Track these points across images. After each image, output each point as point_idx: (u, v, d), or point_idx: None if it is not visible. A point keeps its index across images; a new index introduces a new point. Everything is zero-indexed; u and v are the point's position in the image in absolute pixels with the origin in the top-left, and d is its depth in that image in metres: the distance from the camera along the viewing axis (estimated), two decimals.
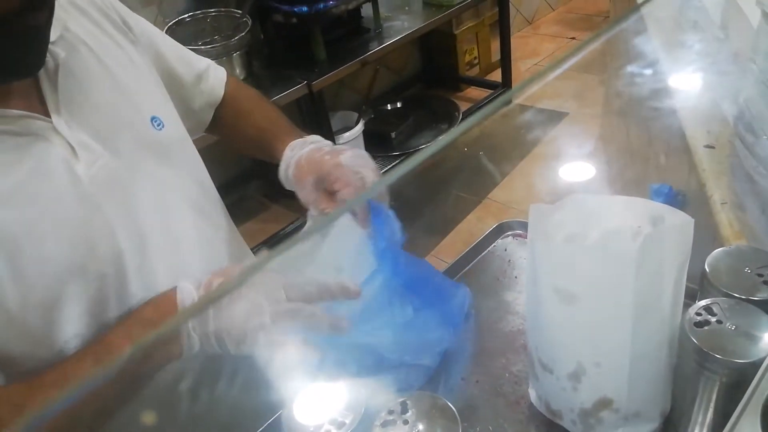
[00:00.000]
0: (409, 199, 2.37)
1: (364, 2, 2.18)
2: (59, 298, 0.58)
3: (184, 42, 0.89)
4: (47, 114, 0.59)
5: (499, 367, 0.72)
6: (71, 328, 0.60)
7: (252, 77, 2.07)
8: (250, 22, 1.95)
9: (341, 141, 2.23)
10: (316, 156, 0.74)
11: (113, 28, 0.71)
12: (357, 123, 2.33)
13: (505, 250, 0.92)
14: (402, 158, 2.50)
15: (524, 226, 0.92)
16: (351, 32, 2.29)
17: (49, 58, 0.60)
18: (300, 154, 0.76)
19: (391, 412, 0.51)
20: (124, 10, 0.74)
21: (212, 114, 0.87)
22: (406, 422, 0.50)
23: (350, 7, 2.12)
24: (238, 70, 1.99)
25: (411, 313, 0.68)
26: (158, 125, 0.71)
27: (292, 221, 2.22)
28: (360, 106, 2.42)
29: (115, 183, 0.63)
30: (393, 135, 2.59)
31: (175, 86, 0.80)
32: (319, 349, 0.57)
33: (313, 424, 0.55)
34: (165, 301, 0.61)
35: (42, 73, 0.60)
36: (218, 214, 0.81)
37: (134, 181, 0.66)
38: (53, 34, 0.60)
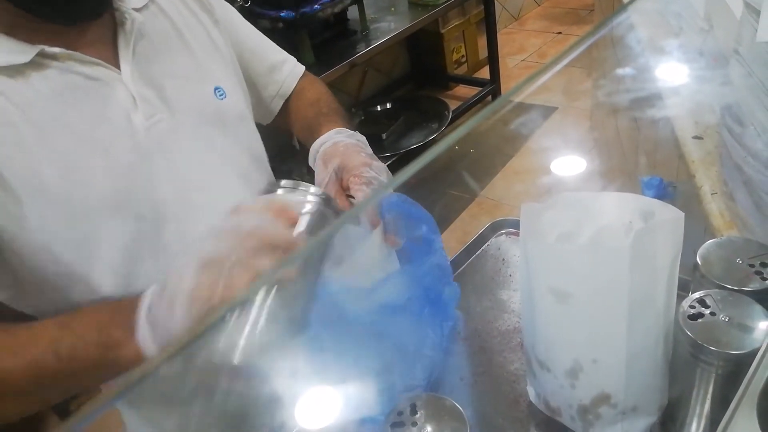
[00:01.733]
0: None
1: (350, 5, 2.18)
2: (96, 233, 0.61)
3: None
4: (117, 66, 0.64)
5: (496, 366, 0.73)
6: (104, 268, 0.62)
7: None
8: None
9: None
10: (354, 149, 0.75)
11: (197, 5, 0.76)
12: None
13: (499, 248, 0.92)
14: (393, 159, 2.50)
15: (517, 224, 0.93)
16: (338, 35, 2.29)
17: (128, 19, 0.65)
18: (342, 140, 0.77)
19: (400, 414, 0.51)
20: None
21: (281, 105, 0.90)
22: (414, 424, 0.50)
23: (336, 10, 2.12)
24: None
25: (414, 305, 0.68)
26: (221, 95, 0.74)
27: None
28: (349, 108, 2.43)
29: (167, 138, 0.66)
30: (384, 136, 2.59)
31: (248, 71, 0.84)
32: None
33: (321, 427, 0.55)
34: (126, 307, 0.55)
35: (120, 30, 0.65)
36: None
37: (187, 140, 0.68)
38: (139, 2, 0.68)
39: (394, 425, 0.50)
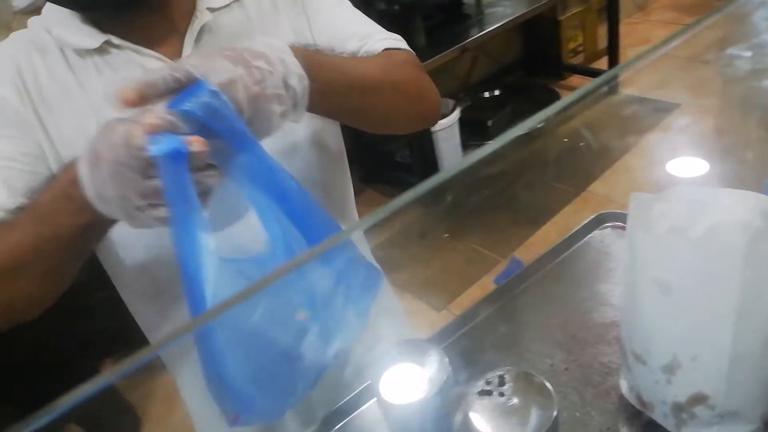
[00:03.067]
0: (501, 189, 2.35)
1: None
2: None
3: None
4: (177, 59, 0.64)
5: (589, 357, 0.72)
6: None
7: None
8: None
9: (436, 128, 2.25)
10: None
11: (288, 4, 0.74)
12: (453, 110, 2.33)
13: (602, 241, 0.90)
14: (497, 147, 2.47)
15: (624, 218, 0.90)
16: (452, 18, 2.29)
17: (198, 18, 0.68)
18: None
19: (488, 383, 0.53)
20: None
21: None
22: (501, 394, 0.52)
23: None
24: None
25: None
26: None
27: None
28: (457, 93, 2.42)
29: None
30: (489, 123, 2.56)
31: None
32: None
33: (401, 392, 0.58)
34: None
35: (189, 28, 0.68)
36: (337, 185, 0.82)
37: None
38: (221, 1, 0.69)
39: (481, 392, 0.52)
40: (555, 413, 0.50)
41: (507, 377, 0.53)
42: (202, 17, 0.68)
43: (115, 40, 0.65)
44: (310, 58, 0.57)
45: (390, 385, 0.58)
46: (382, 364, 0.60)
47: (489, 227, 2.26)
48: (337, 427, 0.71)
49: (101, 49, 0.65)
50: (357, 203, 0.88)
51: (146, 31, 0.67)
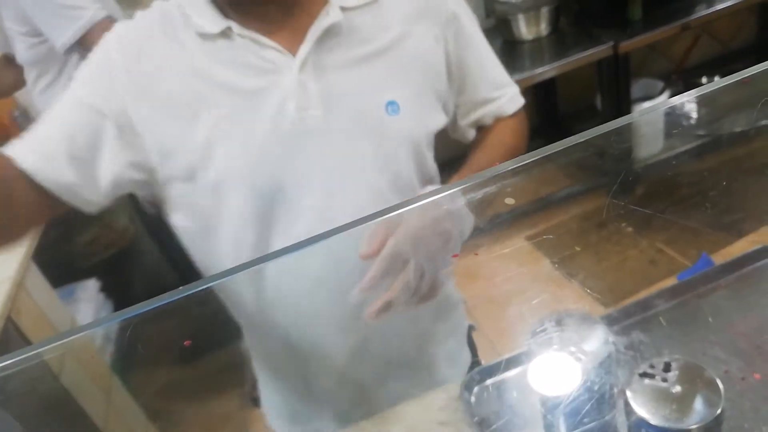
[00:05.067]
0: (705, 188, 2.12)
1: None
2: (220, 197, 0.69)
3: None
4: (294, 52, 0.67)
5: None
6: (226, 221, 0.71)
7: (556, 33, 2.06)
8: None
9: (639, 110, 2.10)
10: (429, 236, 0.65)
11: (428, 13, 0.74)
12: (660, 93, 2.15)
13: None
14: (703, 139, 2.23)
15: None
16: None
17: (326, 13, 0.68)
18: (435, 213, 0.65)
19: (652, 366, 0.52)
20: (461, 9, 0.77)
21: (473, 134, 0.86)
22: (664, 380, 0.51)
23: None
24: (543, 26, 2.00)
25: None
26: (393, 110, 0.71)
27: None
28: (668, 76, 2.22)
29: (310, 135, 0.68)
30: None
31: (464, 87, 0.81)
32: None
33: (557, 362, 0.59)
34: None
35: (316, 21, 0.68)
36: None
37: (329, 144, 0.69)
38: (356, 1, 0.69)
39: (643, 374, 0.51)
40: (719, 411, 0.48)
41: (674, 365, 0.52)
42: (332, 15, 0.68)
43: (236, 27, 0.67)
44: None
45: (546, 352, 0.59)
46: (540, 330, 0.62)
47: (681, 228, 2.06)
48: (490, 380, 0.75)
49: (223, 34, 0.67)
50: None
51: (268, 19, 0.68)
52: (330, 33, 0.69)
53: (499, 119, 0.84)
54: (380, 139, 0.71)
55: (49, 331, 1.47)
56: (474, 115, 0.83)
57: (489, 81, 0.82)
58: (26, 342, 1.33)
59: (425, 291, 0.63)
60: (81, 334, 0.56)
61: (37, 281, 1.54)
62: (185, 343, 0.60)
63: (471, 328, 0.92)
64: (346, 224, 0.55)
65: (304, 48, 0.68)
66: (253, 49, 0.67)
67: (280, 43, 0.68)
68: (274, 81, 0.67)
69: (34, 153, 0.65)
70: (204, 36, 0.68)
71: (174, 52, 0.68)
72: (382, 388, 0.81)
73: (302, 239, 0.62)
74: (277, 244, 0.71)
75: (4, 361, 0.50)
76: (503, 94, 0.83)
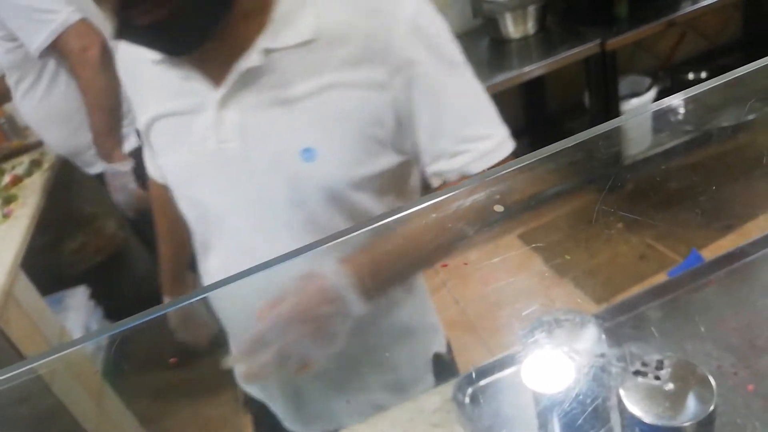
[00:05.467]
0: (694, 183, 2.13)
1: None
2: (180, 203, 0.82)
3: None
4: (219, 84, 0.70)
5: (765, 366, 0.66)
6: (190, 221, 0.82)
7: (543, 32, 2.07)
8: None
9: (628, 107, 2.11)
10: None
11: (375, 56, 0.67)
12: (648, 90, 2.16)
13: None
14: (692, 135, 2.24)
15: None
16: None
17: (253, 52, 0.67)
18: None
19: (645, 365, 0.52)
20: (414, 52, 0.67)
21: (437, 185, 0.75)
22: (657, 378, 0.51)
23: None
24: (530, 24, 2.01)
25: None
26: (307, 157, 0.68)
27: None
28: (656, 72, 2.23)
29: (230, 165, 0.72)
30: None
31: (430, 134, 0.72)
32: None
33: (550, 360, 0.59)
34: None
35: (236, 65, 0.68)
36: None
37: (247, 179, 0.72)
38: (295, 38, 0.67)
39: (636, 372, 0.51)
40: (712, 408, 0.48)
41: (666, 363, 0.52)
42: (253, 58, 0.67)
43: (169, 58, 0.72)
44: (367, 271, 0.64)
45: (539, 351, 0.59)
46: (533, 329, 0.62)
47: (671, 223, 2.07)
48: (484, 381, 0.75)
49: (164, 62, 0.72)
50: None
51: (201, 55, 0.69)
52: (250, 74, 0.69)
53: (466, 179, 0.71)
54: (295, 182, 0.70)
55: (38, 339, 1.45)
56: (434, 167, 0.73)
57: (451, 133, 0.70)
58: (15, 351, 1.32)
59: (293, 370, 0.70)
60: (75, 347, 0.56)
61: (26, 289, 1.52)
62: (171, 360, 0.61)
63: (438, 356, 0.88)
64: (297, 249, 0.54)
65: (223, 87, 0.70)
66: (181, 75, 0.72)
67: (208, 74, 0.71)
68: (199, 108, 0.72)
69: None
70: (154, 62, 0.74)
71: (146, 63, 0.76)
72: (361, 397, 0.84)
73: (232, 257, 0.77)
74: (215, 259, 0.81)
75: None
76: (469, 150, 0.70)
